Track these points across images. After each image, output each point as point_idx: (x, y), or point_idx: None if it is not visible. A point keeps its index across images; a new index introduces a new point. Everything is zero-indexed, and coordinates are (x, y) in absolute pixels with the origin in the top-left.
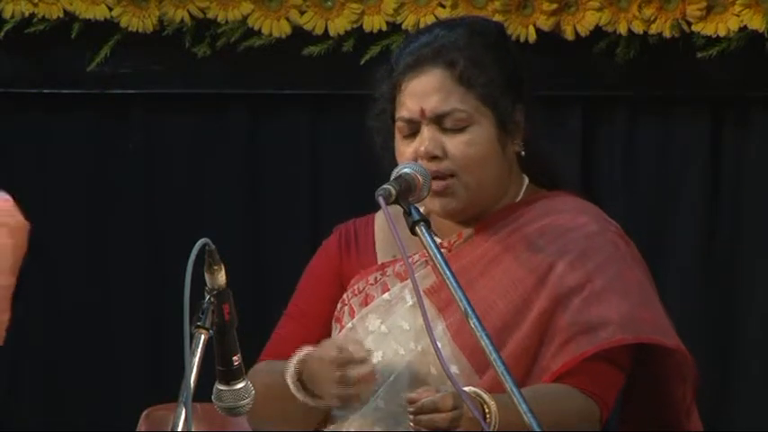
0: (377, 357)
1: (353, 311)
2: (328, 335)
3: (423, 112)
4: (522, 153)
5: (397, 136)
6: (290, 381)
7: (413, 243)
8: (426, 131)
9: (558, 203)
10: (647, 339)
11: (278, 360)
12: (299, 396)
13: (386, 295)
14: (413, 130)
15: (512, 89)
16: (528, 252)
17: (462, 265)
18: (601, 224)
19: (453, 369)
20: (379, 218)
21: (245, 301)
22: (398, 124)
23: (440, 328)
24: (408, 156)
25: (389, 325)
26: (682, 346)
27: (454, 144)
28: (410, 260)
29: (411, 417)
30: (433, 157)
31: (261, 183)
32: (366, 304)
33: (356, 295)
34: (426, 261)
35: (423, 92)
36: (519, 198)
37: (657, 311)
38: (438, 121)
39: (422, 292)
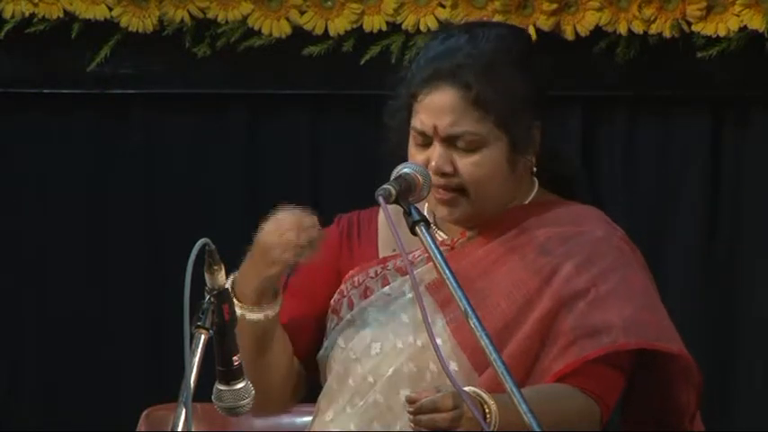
0: (375, 349)
1: (352, 303)
2: (320, 317)
3: (436, 129)
4: (534, 169)
5: (411, 140)
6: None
7: (415, 239)
8: (438, 148)
9: (564, 209)
10: (650, 345)
11: None
12: (238, 309)
13: (386, 289)
14: (425, 141)
15: (531, 107)
16: (532, 254)
17: (465, 264)
18: (606, 230)
19: (452, 366)
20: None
21: None
22: (413, 132)
23: (440, 323)
24: (419, 162)
25: (388, 316)
26: (685, 351)
27: (464, 163)
28: (412, 256)
29: (411, 417)
30: (443, 174)
31: (261, 183)
32: (366, 297)
33: (356, 287)
34: (428, 257)
35: (437, 109)
36: (527, 201)
37: (661, 316)
38: (449, 140)
39: (423, 288)
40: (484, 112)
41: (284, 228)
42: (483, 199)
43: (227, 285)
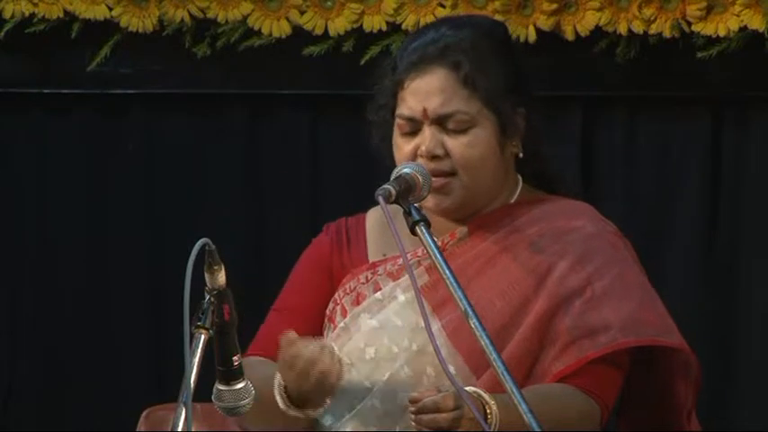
0: (369, 354)
1: (345, 311)
2: (316, 330)
3: (425, 111)
4: (521, 155)
5: (396, 132)
6: (276, 394)
7: (407, 242)
8: (428, 131)
9: (554, 206)
10: (649, 341)
11: (266, 358)
12: (285, 408)
13: (378, 294)
14: (413, 128)
15: (514, 92)
16: (526, 253)
17: (458, 265)
18: (598, 225)
19: (450, 369)
20: (371, 217)
21: (245, 301)
22: (399, 121)
23: (435, 327)
24: (407, 152)
25: (381, 321)
26: (685, 344)
27: (455, 144)
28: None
29: (413, 416)
30: (434, 157)
31: (261, 183)
32: (358, 303)
33: (348, 294)
34: (419, 261)
35: (426, 91)
36: (513, 199)
37: (659, 311)
38: (440, 121)
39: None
40: (472, 91)
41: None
42: (475, 183)
43: (275, 384)
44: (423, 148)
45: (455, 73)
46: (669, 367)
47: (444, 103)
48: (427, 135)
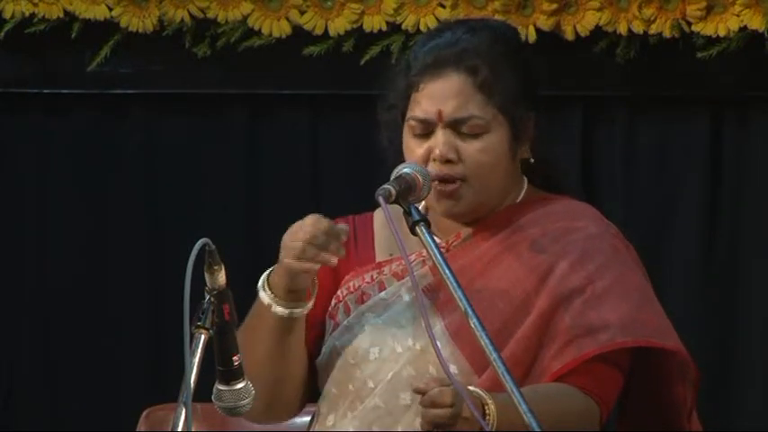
0: (374, 354)
1: (349, 309)
2: (321, 325)
3: (440, 114)
4: (532, 161)
5: (407, 133)
6: (261, 289)
7: (411, 243)
8: (441, 134)
9: (557, 206)
10: (646, 342)
11: None
12: (270, 302)
13: (383, 294)
14: (426, 130)
15: (527, 98)
16: (528, 253)
17: (461, 265)
18: (600, 227)
19: (452, 369)
20: (378, 216)
21: (245, 301)
22: (411, 123)
23: (438, 327)
24: (420, 155)
25: (386, 320)
26: (682, 347)
27: (469, 149)
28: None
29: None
30: (447, 161)
31: (261, 183)
32: (362, 302)
33: (352, 293)
34: (424, 261)
35: (441, 95)
36: (519, 200)
37: (657, 313)
38: (454, 125)
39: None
40: (488, 97)
41: (298, 235)
42: (485, 189)
43: (261, 281)
44: (436, 151)
45: (472, 78)
46: (667, 369)
47: (460, 107)
48: (440, 139)
